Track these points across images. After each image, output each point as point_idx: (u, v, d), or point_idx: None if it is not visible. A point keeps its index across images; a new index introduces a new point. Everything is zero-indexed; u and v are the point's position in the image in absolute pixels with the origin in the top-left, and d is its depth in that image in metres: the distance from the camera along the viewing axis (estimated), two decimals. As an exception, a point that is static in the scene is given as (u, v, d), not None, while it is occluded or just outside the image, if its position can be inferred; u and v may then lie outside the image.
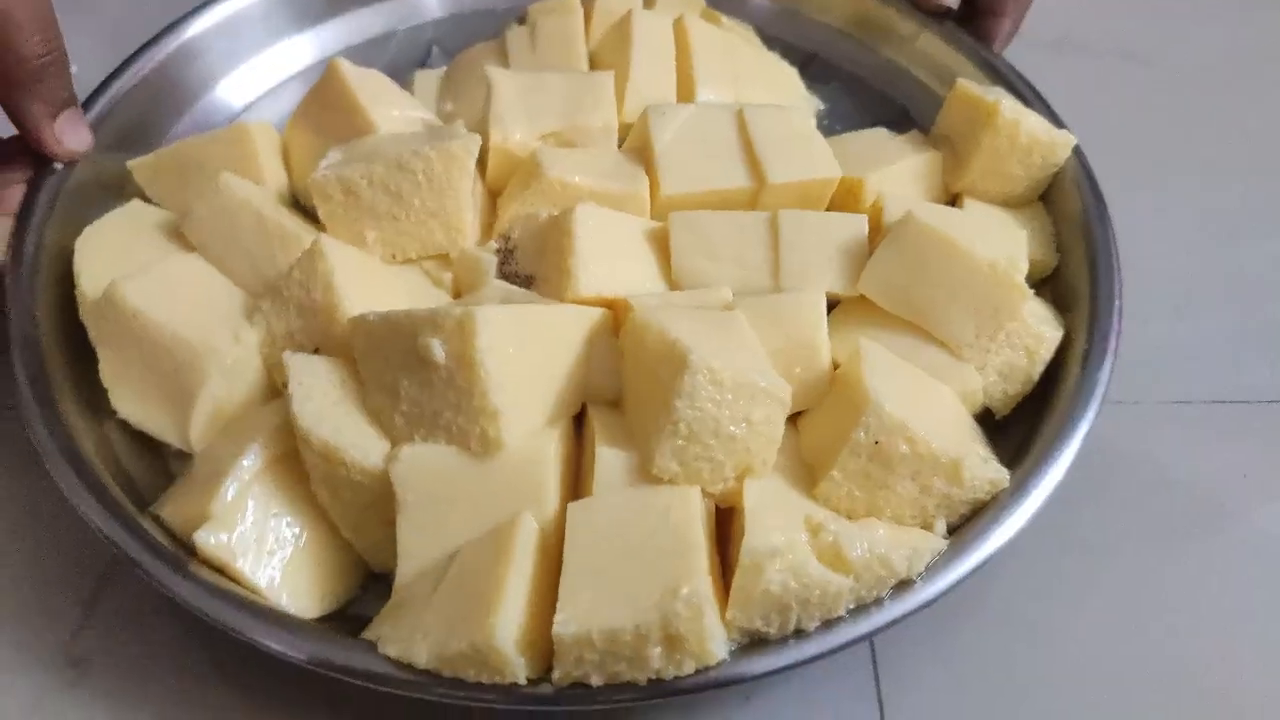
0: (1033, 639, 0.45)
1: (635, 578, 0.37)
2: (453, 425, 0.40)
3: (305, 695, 0.43)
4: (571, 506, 0.40)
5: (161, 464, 0.48)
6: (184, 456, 0.47)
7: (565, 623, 0.36)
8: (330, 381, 0.42)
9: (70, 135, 0.51)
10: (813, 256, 0.48)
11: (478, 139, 0.50)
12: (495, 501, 0.40)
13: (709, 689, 0.38)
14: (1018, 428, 0.48)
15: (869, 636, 0.39)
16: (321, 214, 0.49)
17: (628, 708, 0.42)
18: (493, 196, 0.55)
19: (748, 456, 0.41)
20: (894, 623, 0.40)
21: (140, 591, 0.45)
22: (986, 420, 0.48)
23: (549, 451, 0.41)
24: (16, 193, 0.51)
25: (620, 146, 0.56)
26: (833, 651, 0.39)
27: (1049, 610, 0.46)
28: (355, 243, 0.49)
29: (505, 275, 0.49)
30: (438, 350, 0.39)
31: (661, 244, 0.50)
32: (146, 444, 0.48)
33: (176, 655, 0.44)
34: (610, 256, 0.47)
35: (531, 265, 0.49)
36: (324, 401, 0.41)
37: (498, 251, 0.50)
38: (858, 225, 0.49)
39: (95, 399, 0.47)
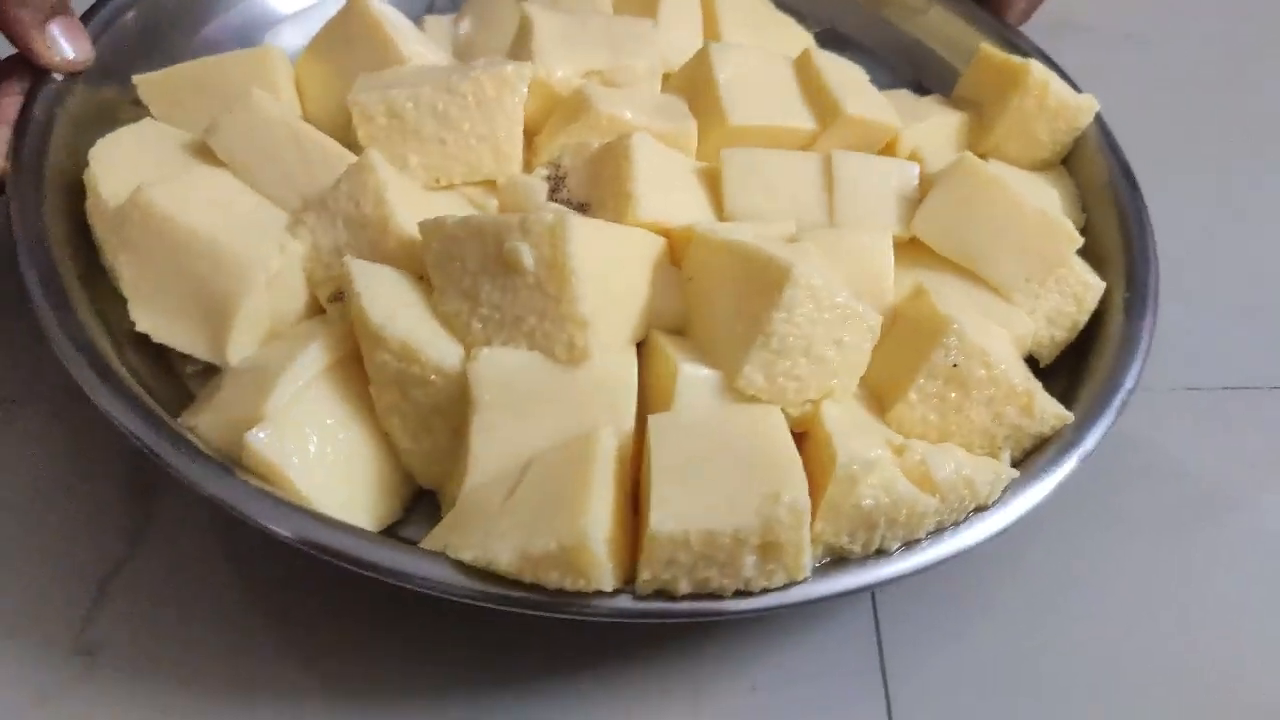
0: (1039, 627, 0.44)
1: (732, 484, 0.35)
2: (537, 331, 0.39)
3: (322, 678, 0.41)
4: (654, 418, 0.38)
5: (178, 387, 0.44)
6: (202, 379, 0.44)
7: (663, 520, 0.34)
8: (396, 287, 0.40)
9: (65, 43, 0.48)
10: (866, 198, 0.48)
11: (530, 66, 0.48)
12: (574, 412, 0.38)
13: (792, 607, 0.37)
14: (1058, 377, 0.48)
15: (945, 562, 0.39)
16: (361, 136, 0.47)
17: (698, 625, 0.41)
18: (527, 135, 0.53)
19: (831, 379, 0.40)
20: (970, 549, 0.39)
21: (149, 581, 0.43)
22: (1032, 366, 0.48)
23: (630, 369, 0.40)
24: (15, 102, 0.47)
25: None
26: (912, 574, 0.38)
27: (1056, 597, 0.45)
28: (397, 166, 0.47)
29: (556, 202, 0.47)
30: (527, 255, 0.38)
31: (712, 182, 0.49)
32: (161, 367, 0.44)
33: (186, 645, 0.41)
34: (665, 187, 0.46)
35: (584, 192, 0.47)
36: (393, 302, 0.39)
37: (547, 179, 0.48)
38: (910, 170, 0.49)
39: (105, 318, 0.44)
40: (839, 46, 0.66)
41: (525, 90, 0.49)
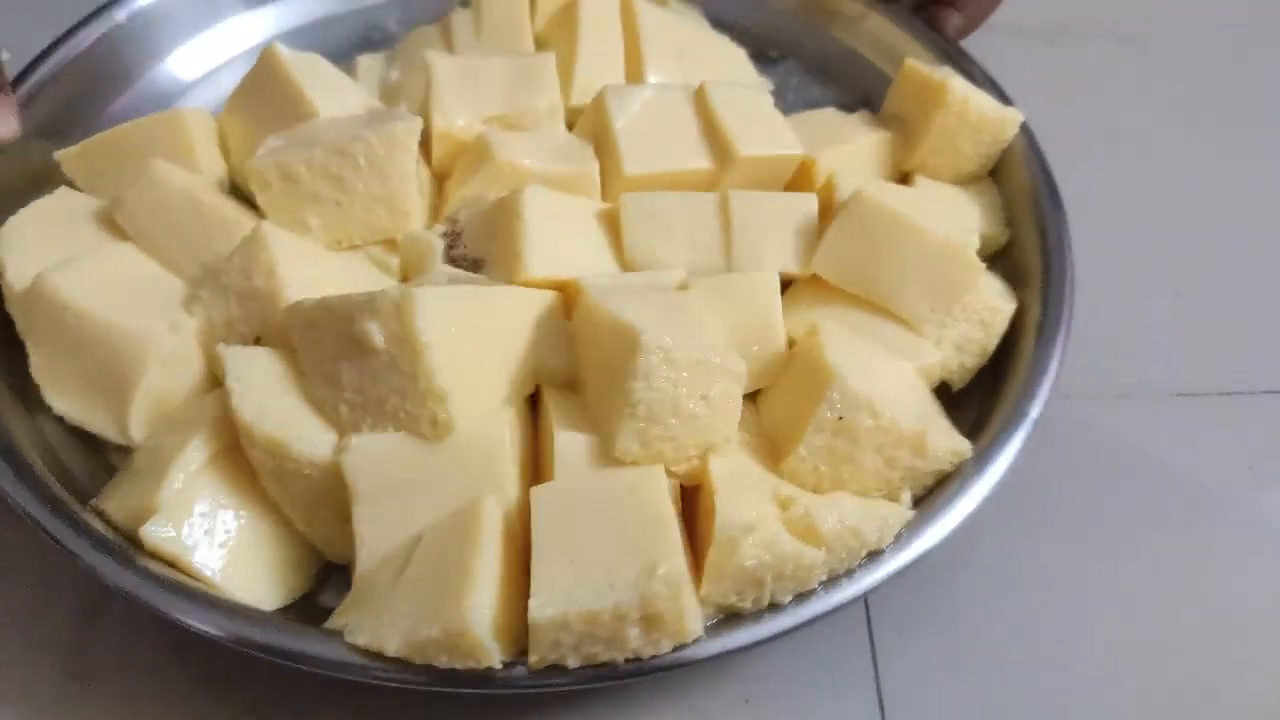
0: (1037, 634, 0.45)
1: (609, 558, 0.36)
2: (400, 411, 0.39)
3: (311, 705, 0.42)
4: (535, 490, 0.39)
5: (101, 458, 0.46)
6: (124, 450, 0.45)
7: (542, 606, 0.35)
8: (270, 374, 0.41)
9: None
10: (764, 236, 0.48)
11: (419, 121, 0.49)
12: (453, 485, 0.39)
13: (686, 666, 0.38)
14: (974, 400, 0.49)
15: (841, 608, 0.39)
16: (260, 201, 0.47)
17: (604, 689, 0.41)
18: (439, 181, 0.54)
19: (709, 434, 0.40)
20: (865, 593, 0.40)
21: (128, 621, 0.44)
22: (943, 393, 0.49)
23: (504, 432, 0.40)
24: None
25: (570, 130, 0.55)
26: (804, 625, 0.39)
27: (1052, 604, 0.46)
28: (297, 230, 0.48)
29: (453, 259, 0.48)
30: (376, 334, 0.38)
31: (612, 225, 0.49)
32: (84, 437, 0.46)
33: (178, 668, 0.42)
34: (560, 238, 0.47)
35: (480, 248, 0.48)
36: (265, 395, 0.40)
37: (444, 235, 0.49)
38: (807, 204, 0.49)
39: (28, 392, 0.45)
40: (775, 57, 0.66)
41: (415, 147, 0.49)
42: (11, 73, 0.51)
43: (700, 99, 0.53)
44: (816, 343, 0.43)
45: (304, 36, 0.63)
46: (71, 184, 0.52)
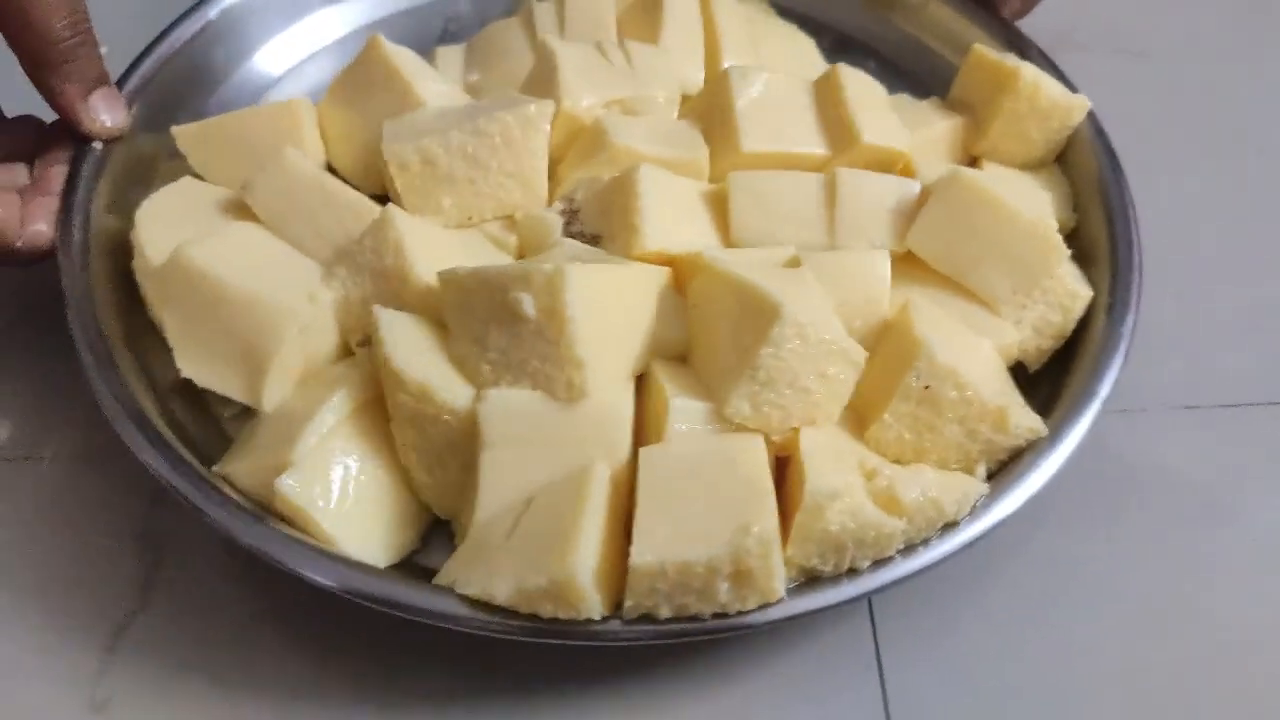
0: (1038, 637, 0.46)
1: (707, 516, 0.39)
2: (539, 373, 0.42)
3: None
4: (643, 451, 0.42)
5: (218, 431, 0.49)
6: (240, 422, 0.48)
7: (642, 553, 0.38)
8: (415, 333, 0.44)
9: (105, 112, 0.52)
10: (867, 215, 0.50)
11: (552, 104, 0.52)
12: (574, 446, 0.42)
13: (768, 626, 0.40)
14: (1046, 380, 0.51)
15: (916, 575, 0.42)
16: (399, 184, 0.50)
17: (688, 644, 0.44)
18: (550, 164, 0.56)
19: (816, 410, 0.43)
20: (940, 562, 0.42)
21: (160, 634, 0.46)
22: (1017, 373, 0.50)
23: (626, 404, 0.43)
24: (59, 173, 0.52)
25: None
26: (882, 589, 0.41)
27: (1055, 609, 0.47)
28: (432, 209, 0.51)
29: (570, 235, 0.51)
30: (528, 305, 0.41)
31: (717, 205, 0.51)
32: (202, 410, 0.49)
33: (198, 698, 0.44)
34: (672, 215, 0.49)
35: (596, 225, 0.51)
36: (414, 348, 0.43)
37: (562, 213, 0.52)
38: (909, 187, 0.51)
39: (149, 372, 0.49)
40: (843, 51, 0.67)
41: (548, 128, 0.52)
42: (113, 70, 0.54)
43: (827, 82, 0.55)
44: (907, 316, 0.46)
45: (384, 29, 0.66)
46: (186, 170, 0.55)
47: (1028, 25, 0.63)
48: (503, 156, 0.51)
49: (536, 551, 0.39)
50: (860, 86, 0.55)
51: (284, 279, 0.47)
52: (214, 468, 0.46)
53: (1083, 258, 0.54)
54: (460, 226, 0.52)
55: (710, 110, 0.55)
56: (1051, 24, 0.63)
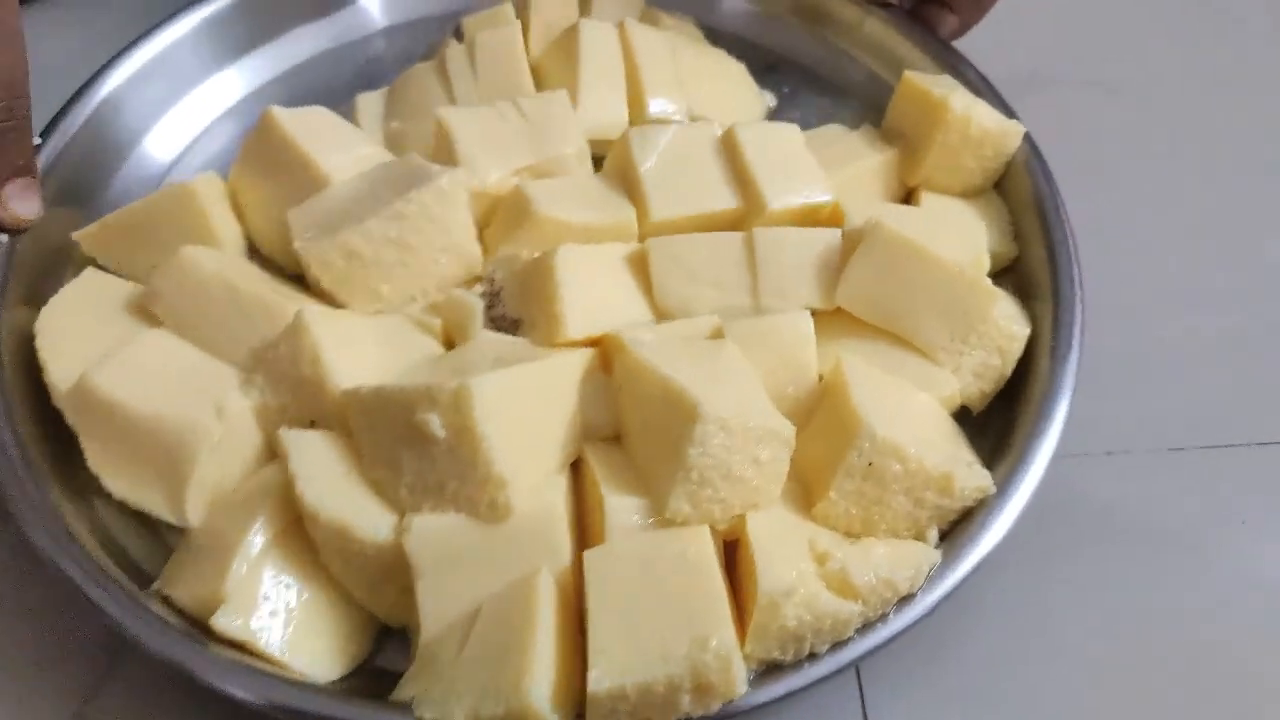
0: (1020, 679, 0.46)
1: (662, 627, 0.38)
2: (460, 495, 0.41)
3: None
4: (588, 556, 0.40)
5: (155, 534, 0.47)
6: (179, 533, 0.46)
7: (599, 679, 0.37)
8: (329, 457, 0.42)
9: (19, 203, 0.50)
10: (789, 273, 0.49)
11: (463, 171, 0.50)
12: (511, 559, 0.41)
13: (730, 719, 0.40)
14: (993, 421, 0.50)
15: (876, 650, 0.41)
16: (326, 282, 0.48)
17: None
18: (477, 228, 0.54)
19: (756, 495, 0.42)
20: (900, 634, 0.41)
21: (128, 702, 0.45)
22: (963, 416, 0.50)
23: (558, 504, 0.42)
24: None
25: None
26: (843, 669, 0.41)
27: (1039, 661, 0.47)
28: (368, 298, 0.49)
29: (492, 318, 0.49)
30: (436, 425, 0.40)
31: (642, 268, 0.50)
32: (138, 516, 0.47)
33: None
34: (595, 291, 0.48)
35: (517, 308, 0.49)
36: (326, 479, 0.42)
37: (484, 295, 0.50)
38: (831, 239, 0.50)
39: (81, 477, 0.46)
40: (777, 73, 0.66)
41: (465, 195, 0.50)
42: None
43: (729, 142, 0.53)
44: (843, 384, 0.45)
45: (294, 79, 0.64)
46: (94, 262, 0.53)
47: (999, 60, 0.61)
48: (429, 234, 0.49)
49: (490, 673, 0.38)
50: (764, 141, 0.53)
51: (192, 394, 0.45)
52: (154, 585, 0.44)
53: (1024, 289, 0.54)
54: (405, 305, 0.50)
55: (620, 173, 0.54)
56: (1022, 57, 0.62)
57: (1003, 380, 0.50)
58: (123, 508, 0.47)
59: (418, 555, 0.40)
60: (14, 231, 0.51)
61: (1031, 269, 0.54)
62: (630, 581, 0.39)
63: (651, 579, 0.39)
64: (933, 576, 0.43)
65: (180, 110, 0.62)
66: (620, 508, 0.41)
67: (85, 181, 0.57)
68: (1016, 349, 0.50)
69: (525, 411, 0.42)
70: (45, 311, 0.49)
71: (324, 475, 0.42)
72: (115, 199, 0.57)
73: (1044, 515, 0.45)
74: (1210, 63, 0.71)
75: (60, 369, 0.46)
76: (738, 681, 0.38)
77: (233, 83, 0.64)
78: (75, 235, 0.53)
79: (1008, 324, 0.50)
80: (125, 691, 0.45)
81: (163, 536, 0.47)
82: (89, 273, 0.51)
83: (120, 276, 0.52)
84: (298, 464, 0.41)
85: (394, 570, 0.41)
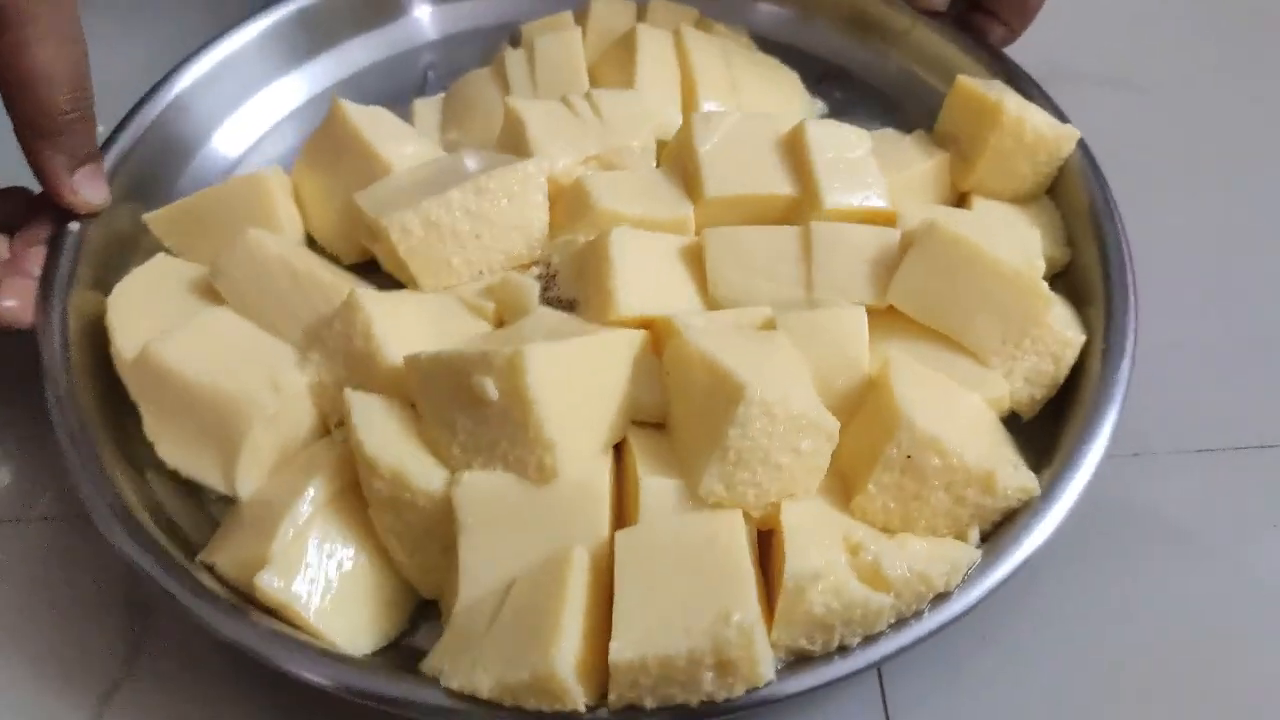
0: (1047, 695, 0.45)
1: (687, 604, 0.38)
2: (509, 455, 0.42)
3: None
4: (620, 535, 0.41)
5: (202, 508, 0.49)
6: (226, 500, 0.48)
7: (621, 649, 0.37)
8: (388, 415, 0.44)
9: (88, 189, 0.52)
10: (844, 269, 0.49)
11: (546, 160, 0.52)
12: (551, 527, 0.41)
13: (758, 707, 0.39)
14: (1043, 426, 0.49)
15: (910, 648, 0.40)
16: (402, 250, 0.50)
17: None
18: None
19: (792, 485, 0.42)
20: (934, 633, 0.41)
21: (146, 702, 0.46)
22: (1012, 421, 0.49)
23: (602, 480, 0.42)
24: (38, 254, 0.52)
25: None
26: (873, 665, 0.40)
27: (1065, 673, 0.46)
28: (440, 270, 0.51)
29: (547, 301, 0.50)
30: (490, 389, 0.41)
31: (697, 260, 0.50)
32: (187, 488, 0.49)
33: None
34: (648, 276, 0.48)
35: (572, 290, 0.50)
36: (386, 433, 0.43)
37: (539, 278, 0.51)
38: (888, 237, 0.49)
39: (133, 450, 0.48)
40: (828, 82, 0.66)
41: (545, 181, 0.52)
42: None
43: (796, 135, 0.53)
44: (886, 380, 0.44)
45: (355, 86, 0.66)
46: (163, 248, 0.55)
47: (1017, 54, 0.61)
48: (506, 210, 0.51)
49: (518, 643, 0.38)
50: (831, 140, 0.53)
51: (250, 368, 0.46)
52: (198, 556, 0.45)
53: (1076, 295, 0.53)
54: (471, 281, 0.52)
55: (680, 158, 0.55)
56: (1045, 53, 0.62)
57: (1055, 386, 0.49)
58: (174, 480, 0.48)
59: (464, 509, 0.41)
60: (84, 214, 0.53)
61: (1085, 275, 0.53)
62: (659, 560, 0.39)
63: (680, 558, 0.39)
64: (971, 576, 0.42)
65: (245, 112, 0.64)
66: (656, 489, 0.42)
67: (153, 177, 0.59)
68: (1071, 355, 0.49)
69: (576, 383, 0.42)
70: (117, 289, 0.51)
71: (383, 430, 0.43)
72: (181, 194, 0.59)
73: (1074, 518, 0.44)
74: (1240, 59, 0.69)
75: (126, 340, 0.48)
76: (760, 660, 0.37)
77: (293, 88, 0.66)
78: (145, 217, 0.55)
79: (1063, 329, 0.49)
80: (158, 660, 0.47)
81: (209, 511, 0.49)
82: (159, 257, 0.54)
83: (187, 261, 0.54)
84: (359, 419, 0.43)
85: (440, 526, 0.42)
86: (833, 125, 0.54)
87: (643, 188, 0.53)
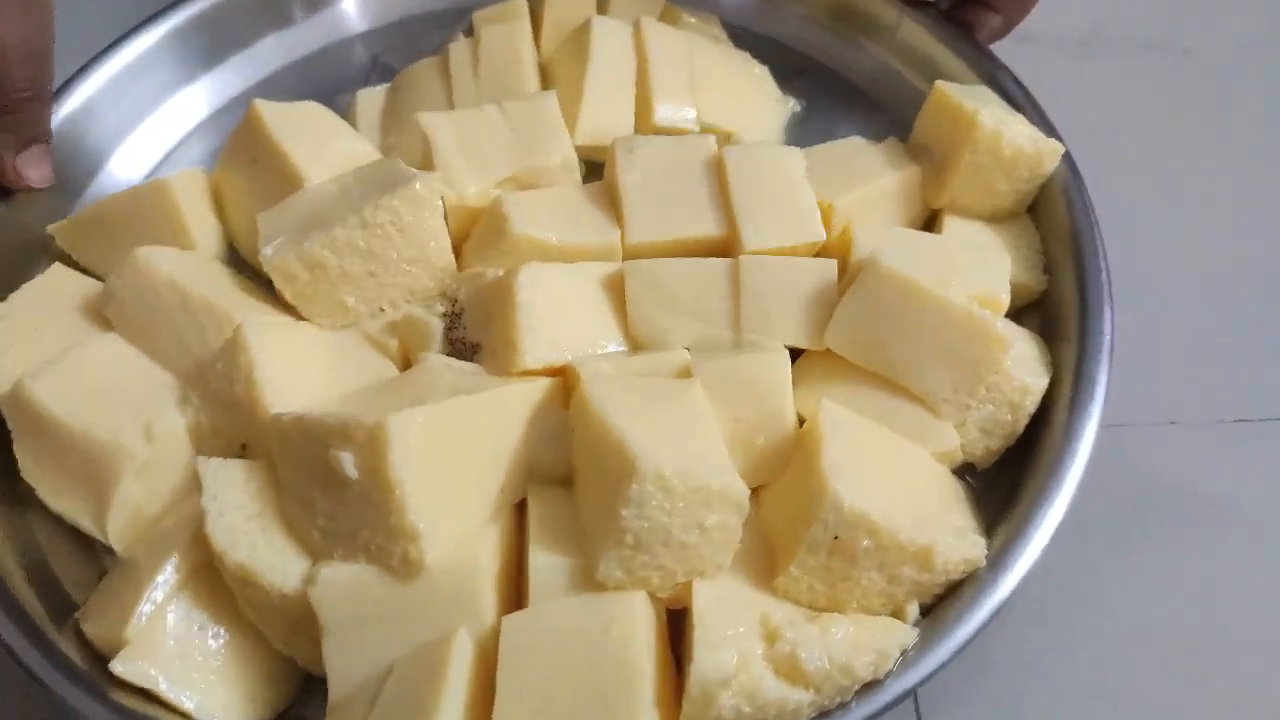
0: (1083, 677, 0.43)
1: (572, 710, 0.34)
2: (371, 544, 0.38)
3: None
4: (506, 621, 0.37)
5: (92, 555, 0.45)
6: (114, 551, 0.44)
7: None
8: (247, 492, 0.40)
9: (30, 169, 0.50)
10: (776, 306, 0.45)
11: (438, 176, 0.47)
12: (426, 619, 0.38)
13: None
14: (1006, 474, 0.45)
15: None
16: (289, 296, 0.46)
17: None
18: (454, 243, 0.51)
19: (700, 562, 0.38)
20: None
21: None
22: (970, 470, 0.45)
23: (481, 561, 0.38)
24: None
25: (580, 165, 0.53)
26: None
27: (1102, 650, 0.44)
28: (334, 311, 0.47)
29: (451, 341, 0.46)
30: (349, 465, 0.37)
31: (620, 291, 0.46)
32: (78, 534, 0.45)
33: None
34: (560, 318, 0.44)
35: (478, 332, 0.46)
36: (239, 516, 0.39)
37: (444, 315, 0.47)
38: (825, 270, 0.45)
39: (19, 488, 0.45)
40: (804, 79, 0.61)
41: (440, 202, 0.47)
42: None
43: (718, 164, 0.49)
44: (816, 440, 0.40)
45: (298, 73, 0.62)
46: (68, 256, 0.52)
47: (1054, 16, 0.57)
48: (399, 244, 0.46)
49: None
50: (754, 167, 0.48)
51: (124, 411, 0.43)
52: (76, 614, 0.42)
53: (1049, 327, 0.49)
54: (372, 318, 0.48)
55: (608, 187, 0.50)
56: (1080, 13, 0.57)
57: (1013, 437, 0.45)
58: (60, 523, 0.45)
59: (325, 610, 0.37)
60: (22, 191, 0.51)
61: (1060, 306, 0.49)
62: (547, 654, 0.36)
63: (570, 653, 0.35)
64: (910, 657, 0.38)
65: (179, 100, 0.60)
66: (546, 568, 0.38)
67: (64, 183, 0.55)
68: (1030, 404, 0.44)
69: (455, 453, 0.38)
70: (1, 308, 0.47)
71: (238, 511, 0.39)
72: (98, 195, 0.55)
73: (1102, 485, 0.43)
74: (1276, 28, 0.65)
75: (4, 372, 0.45)
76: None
77: (227, 79, 0.61)
78: (50, 228, 0.52)
79: (1021, 375, 0.44)
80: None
81: (100, 559, 0.45)
82: (55, 269, 0.50)
83: (92, 274, 0.51)
84: (210, 498, 0.39)
85: (305, 621, 0.38)
86: (758, 149, 0.50)
87: (565, 210, 0.49)
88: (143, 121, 0.58)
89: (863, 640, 0.37)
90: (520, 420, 0.41)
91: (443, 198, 0.48)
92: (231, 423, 0.43)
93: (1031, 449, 0.45)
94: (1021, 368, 0.44)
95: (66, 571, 0.44)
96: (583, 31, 0.58)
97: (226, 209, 0.53)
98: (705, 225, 0.48)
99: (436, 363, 0.43)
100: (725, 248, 0.48)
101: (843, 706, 0.37)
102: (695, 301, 0.45)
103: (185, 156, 0.59)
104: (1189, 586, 0.46)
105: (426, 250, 0.47)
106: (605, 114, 0.55)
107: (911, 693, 0.38)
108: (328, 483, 0.38)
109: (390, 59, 0.63)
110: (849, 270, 0.46)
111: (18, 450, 0.44)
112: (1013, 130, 0.49)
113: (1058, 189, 0.51)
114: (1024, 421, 0.45)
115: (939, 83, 0.52)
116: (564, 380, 0.43)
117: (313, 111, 0.54)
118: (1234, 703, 0.43)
